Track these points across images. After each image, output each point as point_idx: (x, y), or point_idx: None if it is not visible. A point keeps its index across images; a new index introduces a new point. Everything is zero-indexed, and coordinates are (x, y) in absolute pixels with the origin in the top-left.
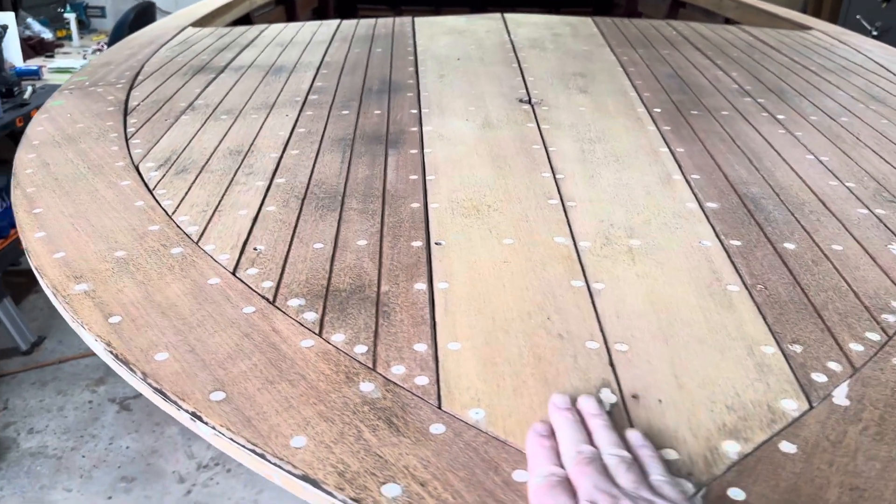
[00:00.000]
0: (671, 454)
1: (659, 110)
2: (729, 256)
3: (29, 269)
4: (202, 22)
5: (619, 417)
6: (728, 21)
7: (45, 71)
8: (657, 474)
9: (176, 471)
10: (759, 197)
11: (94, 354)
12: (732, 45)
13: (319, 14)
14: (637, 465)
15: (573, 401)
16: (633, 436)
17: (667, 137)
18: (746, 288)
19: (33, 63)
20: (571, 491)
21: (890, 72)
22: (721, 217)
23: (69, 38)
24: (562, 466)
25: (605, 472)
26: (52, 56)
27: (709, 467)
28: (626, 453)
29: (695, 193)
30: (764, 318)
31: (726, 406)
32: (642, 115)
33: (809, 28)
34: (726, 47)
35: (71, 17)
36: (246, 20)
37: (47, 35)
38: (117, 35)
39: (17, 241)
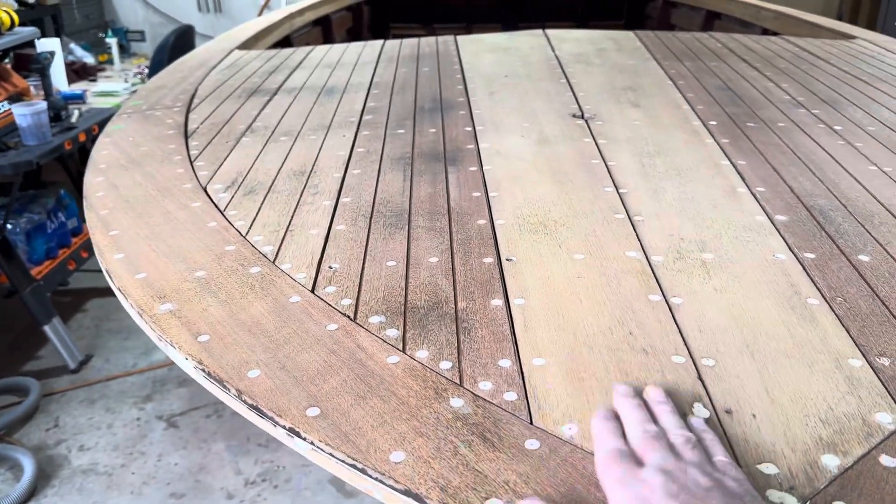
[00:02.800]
0: (771, 468)
1: (714, 123)
2: (805, 269)
3: (76, 288)
4: (247, 45)
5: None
6: (766, 32)
7: (89, 94)
8: (721, 455)
9: (224, 487)
10: (827, 209)
11: (139, 372)
12: (779, 56)
13: (353, 33)
14: (701, 445)
15: (638, 392)
16: (696, 421)
17: (726, 150)
18: (826, 301)
19: (77, 87)
20: (636, 460)
21: None
22: (791, 230)
23: (111, 62)
24: (627, 445)
25: (672, 448)
26: (94, 80)
27: (810, 481)
28: (690, 434)
29: (762, 206)
30: (847, 331)
31: (821, 420)
32: (698, 127)
33: (853, 37)
34: (773, 58)
35: (112, 41)
36: (286, 42)
37: (90, 59)
38: (158, 58)
39: (66, 262)
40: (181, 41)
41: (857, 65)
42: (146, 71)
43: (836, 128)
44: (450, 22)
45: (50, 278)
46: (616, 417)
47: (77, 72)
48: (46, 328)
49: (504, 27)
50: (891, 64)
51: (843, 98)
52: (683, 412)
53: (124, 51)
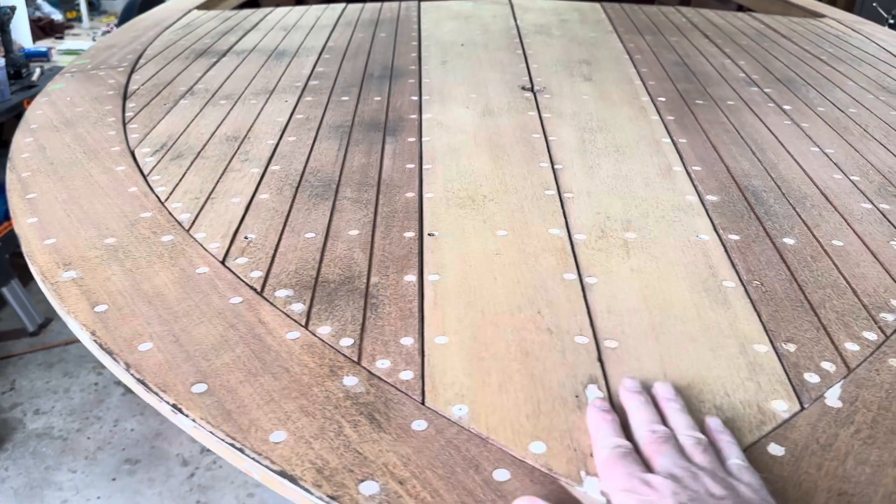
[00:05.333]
0: None
1: (663, 99)
2: (726, 251)
3: None
4: (208, 5)
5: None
6: (741, 8)
7: (55, 53)
8: (736, 458)
9: (179, 454)
10: (760, 190)
11: None
12: (742, 32)
13: None
14: (712, 449)
15: (647, 387)
16: (713, 422)
17: (669, 127)
18: (742, 284)
19: (42, 44)
20: (641, 462)
21: None
22: (720, 210)
23: (79, 19)
24: (629, 440)
25: (681, 451)
26: (61, 37)
27: None
28: (701, 435)
29: (695, 185)
30: (759, 316)
31: (715, 406)
32: (646, 104)
33: (823, 16)
34: (736, 35)
35: None
36: (253, 2)
37: (57, 16)
38: (127, 16)
39: None
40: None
41: (820, 44)
42: (114, 29)
43: (786, 107)
44: None
45: (9, 240)
46: (614, 411)
47: (43, 28)
48: (5, 290)
49: None
50: (853, 44)
51: (799, 77)
52: (699, 411)
53: (94, 8)
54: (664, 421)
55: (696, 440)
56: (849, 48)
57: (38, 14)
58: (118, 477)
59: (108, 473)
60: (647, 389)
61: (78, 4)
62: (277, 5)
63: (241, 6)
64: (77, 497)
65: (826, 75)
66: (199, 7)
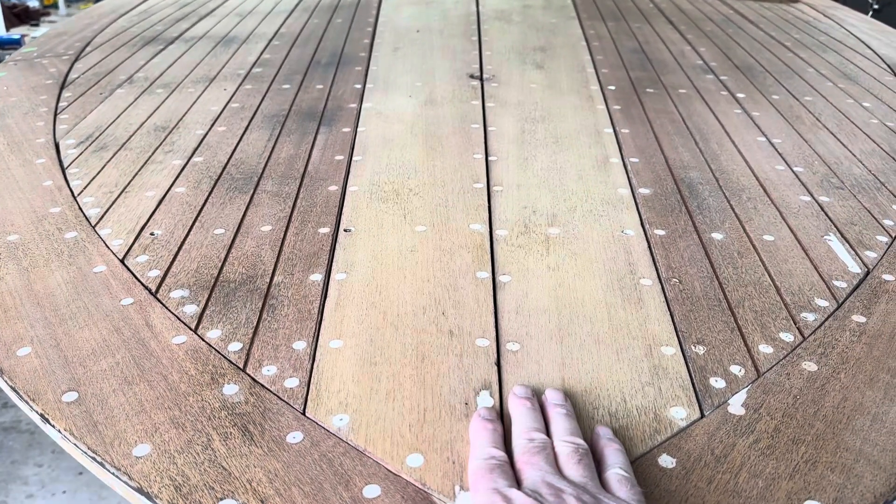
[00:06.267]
0: None
1: (613, 88)
2: (650, 247)
3: None
4: None
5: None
6: None
7: (28, 40)
8: (618, 467)
9: None
10: (696, 182)
11: None
12: (709, 18)
13: None
14: (590, 456)
15: (539, 393)
16: (602, 430)
17: (614, 117)
18: (660, 282)
19: (16, 32)
20: (511, 475)
21: (869, 48)
22: (651, 204)
23: (56, 6)
24: (506, 451)
25: (553, 462)
26: (37, 25)
27: None
28: (580, 442)
29: (629, 178)
30: (672, 316)
31: (609, 413)
32: (595, 92)
33: (797, 1)
34: (701, 21)
35: None
36: None
37: (33, 3)
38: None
39: None
40: None
41: (787, 30)
42: None
43: (739, 95)
44: None
45: None
46: (497, 418)
47: (18, 15)
48: None
49: None
50: (821, 30)
51: (758, 64)
52: (592, 418)
53: None
54: (548, 428)
55: (573, 448)
56: (816, 34)
57: (13, 1)
58: (84, 471)
59: (74, 467)
60: (538, 395)
61: None
62: None
63: None
64: (42, 492)
65: (787, 62)
66: None
